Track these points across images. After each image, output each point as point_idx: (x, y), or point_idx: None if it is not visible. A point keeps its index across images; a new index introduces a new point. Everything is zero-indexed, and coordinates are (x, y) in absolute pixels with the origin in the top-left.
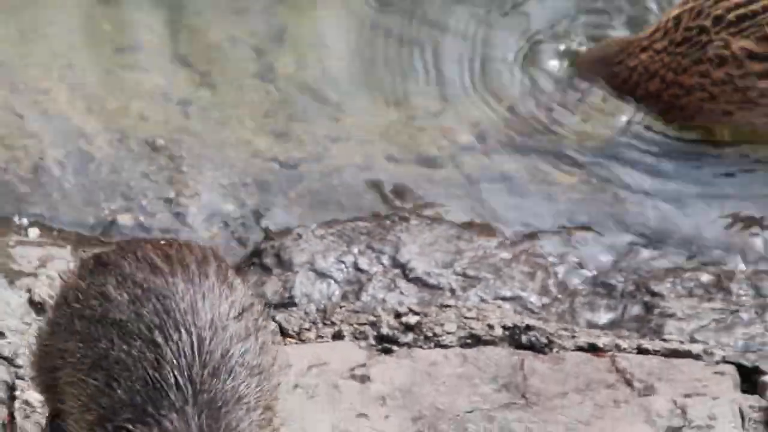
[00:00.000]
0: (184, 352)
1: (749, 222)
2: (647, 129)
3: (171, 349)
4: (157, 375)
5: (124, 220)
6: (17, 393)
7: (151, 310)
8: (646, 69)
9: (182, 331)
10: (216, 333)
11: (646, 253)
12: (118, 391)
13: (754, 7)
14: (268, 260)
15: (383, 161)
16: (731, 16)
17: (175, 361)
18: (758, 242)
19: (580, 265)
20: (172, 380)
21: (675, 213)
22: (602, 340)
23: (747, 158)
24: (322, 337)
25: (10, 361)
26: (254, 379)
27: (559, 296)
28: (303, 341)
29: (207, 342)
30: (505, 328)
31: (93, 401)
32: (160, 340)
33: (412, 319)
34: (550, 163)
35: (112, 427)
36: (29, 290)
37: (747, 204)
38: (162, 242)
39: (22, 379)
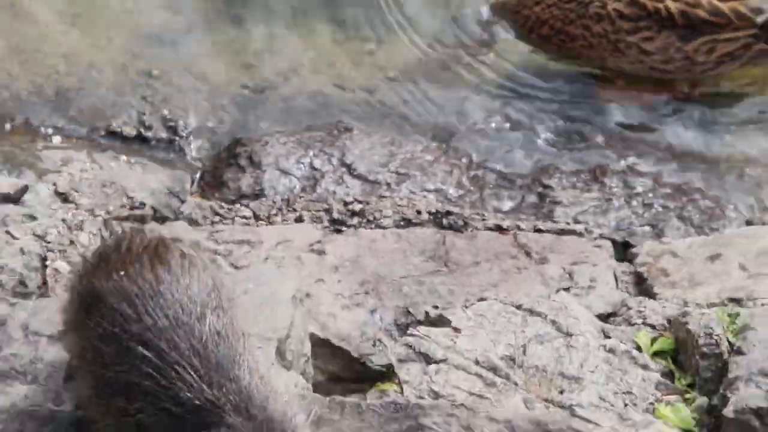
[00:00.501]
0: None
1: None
2: (542, 64)
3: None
4: None
5: (128, 131)
6: (48, 263)
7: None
8: (539, 18)
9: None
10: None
11: (540, 155)
12: None
13: None
14: (243, 162)
15: (332, 88)
16: None
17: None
18: (632, 138)
19: (488, 164)
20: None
21: (563, 120)
22: (506, 222)
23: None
24: (286, 220)
25: (41, 237)
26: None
27: (472, 188)
28: (272, 224)
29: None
30: (430, 213)
31: None
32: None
33: (357, 207)
34: (467, 88)
35: None
36: (54, 184)
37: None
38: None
39: (52, 251)
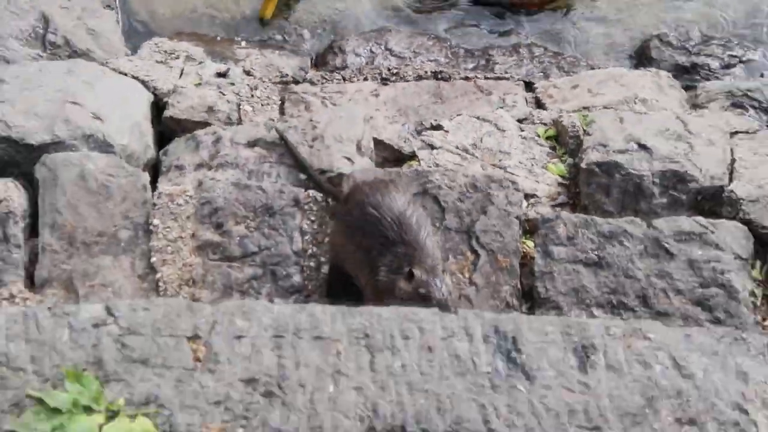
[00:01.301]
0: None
1: None
2: None
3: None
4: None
5: (278, 38)
6: (240, 106)
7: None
8: None
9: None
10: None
11: (486, 39)
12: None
13: None
14: (336, 50)
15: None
16: None
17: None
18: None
19: (461, 45)
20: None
21: (499, 20)
22: (470, 74)
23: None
24: (359, 80)
25: (237, 94)
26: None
27: (452, 58)
28: (351, 82)
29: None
30: (432, 72)
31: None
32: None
33: (394, 70)
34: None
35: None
36: (242, 66)
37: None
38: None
39: (243, 100)
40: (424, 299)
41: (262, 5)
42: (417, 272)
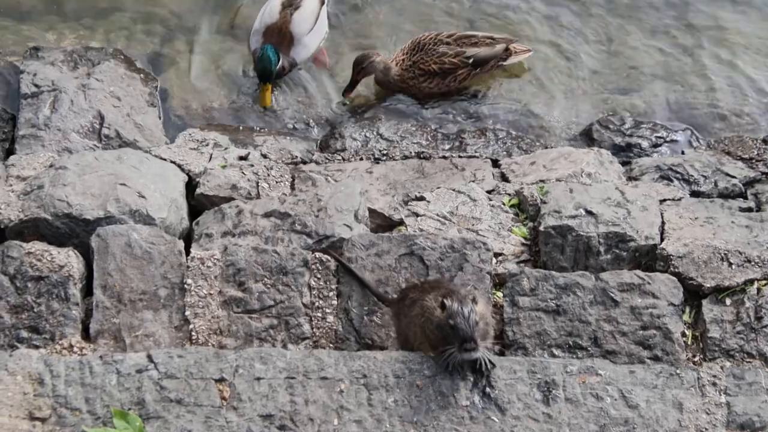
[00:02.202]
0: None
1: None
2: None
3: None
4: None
5: (290, 126)
6: (258, 183)
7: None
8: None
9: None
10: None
11: (460, 125)
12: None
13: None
14: (336, 135)
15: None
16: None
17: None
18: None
19: (439, 131)
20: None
21: (467, 115)
22: (446, 154)
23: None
24: (356, 160)
25: (255, 173)
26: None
27: (432, 141)
28: (349, 162)
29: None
30: (416, 153)
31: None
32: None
33: (385, 151)
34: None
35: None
36: (260, 150)
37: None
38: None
39: (260, 179)
40: (452, 329)
41: (260, 96)
42: (448, 302)
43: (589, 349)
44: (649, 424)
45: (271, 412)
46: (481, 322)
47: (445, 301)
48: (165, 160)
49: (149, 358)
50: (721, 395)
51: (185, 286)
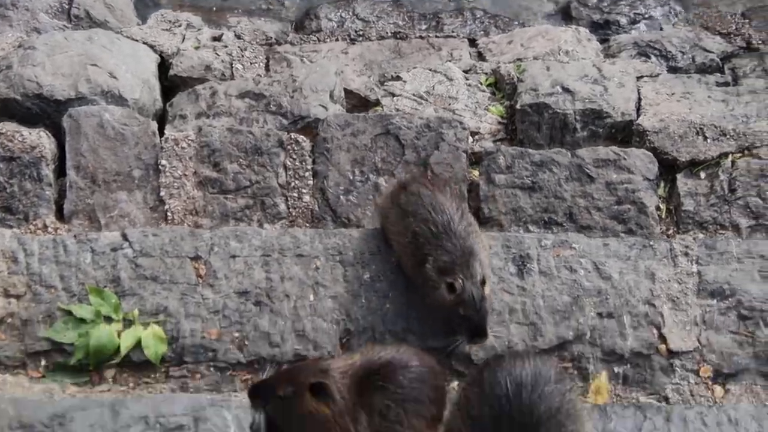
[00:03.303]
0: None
1: None
2: None
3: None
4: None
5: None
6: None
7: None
8: None
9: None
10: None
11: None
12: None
13: None
14: (312, 17)
15: None
16: None
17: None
18: None
19: (415, 11)
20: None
21: None
22: (423, 34)
23: None
24: (331, 41)
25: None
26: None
27: (409, 22)
28: (325, 42)
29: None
30: (393, 33)
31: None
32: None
33: (360, 31)
34: None
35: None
36: (234, 31)
37: None
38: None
39: (235, 60)
40: (463, 318)
41: None
42: (458, 286)
43: (564, 224)
44: (622, 294)
45: (247, 289)
46: (489, 306)
47: (455, 283)
48: (137, 41)
49: (124, 236)
50: (692, 265)
51: (160, 167)
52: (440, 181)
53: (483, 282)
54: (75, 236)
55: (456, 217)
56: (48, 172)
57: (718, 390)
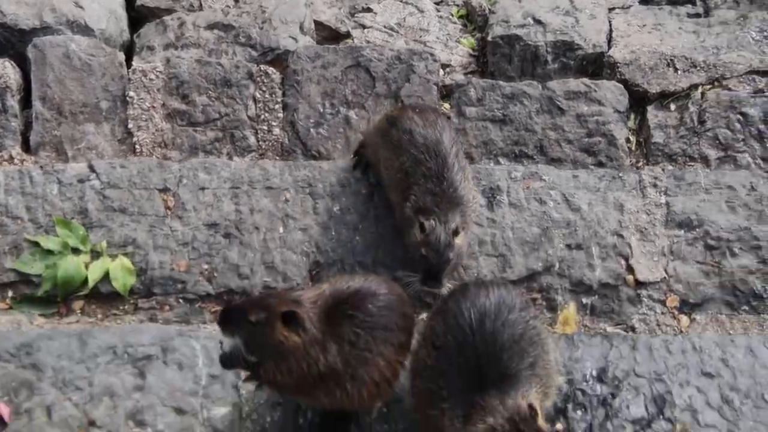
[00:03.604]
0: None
1: None
2: None
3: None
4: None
5: None
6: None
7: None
8: None
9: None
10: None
11: None
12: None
13: None
14: None
15: None
16: None
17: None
18: None
19: None
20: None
21: None
22: None
23: None
24: None
25: None
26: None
27: None
28: None
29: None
30: None
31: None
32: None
33: None
34: None
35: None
36: None
37: None
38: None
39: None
40: (422, 258)
41: None
42: (428, 226)
43: (534, 157)
44: (591, 226)
45: (216, 221)
46: (455, 257)
47: (425, 223)
48: None
49: (91, 168)
50: (661, 196)
51: (127, 98)
52: (430, 112)
53: (456, 232)
54: (41, 167)
55: (450, 161)
56: (13, 102)
57: (684, 320)
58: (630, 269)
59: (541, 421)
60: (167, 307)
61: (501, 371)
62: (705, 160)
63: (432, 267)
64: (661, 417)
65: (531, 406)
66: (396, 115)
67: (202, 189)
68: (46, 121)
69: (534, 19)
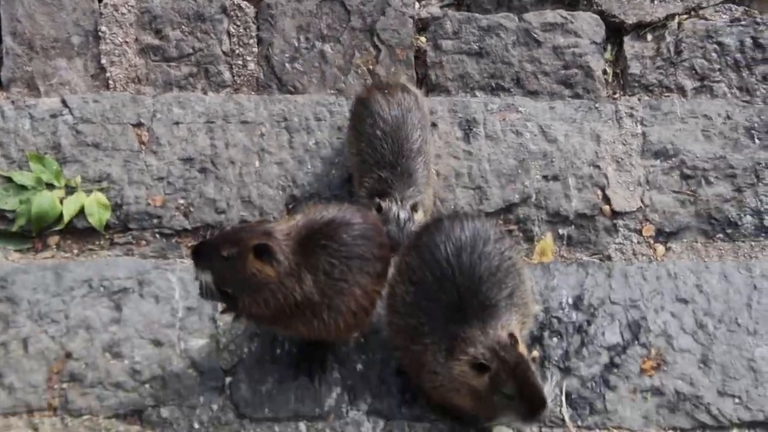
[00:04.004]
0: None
1: None
2: None
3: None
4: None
5: None
6: None
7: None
8: None
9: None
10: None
11: None
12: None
13: None
14: None
15: None
16: None
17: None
18: None
19: None
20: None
21: None
22: None
23: None
24: None
25: None
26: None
27: None
28: None
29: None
30: None
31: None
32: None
33: None
34: None
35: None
36: None
37: None
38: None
39: None
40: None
41: None
42: (384, 206)
43: (511, 90)
44: (567, 157)
45: (191, 156)
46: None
47: (382, 203)
48: None
49: (63, 102)
50: (637, 126)
51: (99, 33)
52: (399, 92)
53: (415, 208)
54: (13, 102)
55: (407, 148)
56: None
57: (660, 249)
58: (606, 199)
59: (521, 349)
60: (143, 242)
61: (481, 303)
62: (681, 90)
63: (398, 244)
64: (636, 342)
65: (511, 335)
66: (365, 97)
67: (177, 124)
68: (17, 56)
69: None
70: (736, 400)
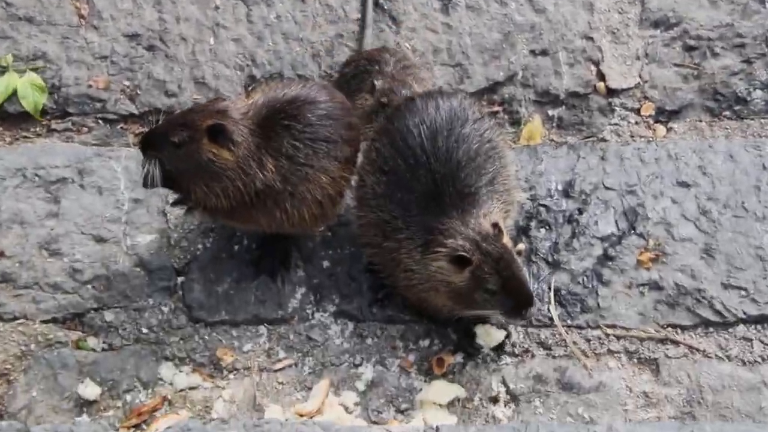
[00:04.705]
0: None
1: None
2: None
3: None
4: None
5: None
6: None
7: None
8: None
9: None
10: None
11: None
12: None
13: None
14: None
15: None
16: None
17: None
18: None
19: None
20: None
21: None
22: None
23: None
24: None
25: None
26: None
27: None
28: None
29: None
30: None
31: None
32: None
33: None
34: None
35: None
36: None
37: None
38: None
39: None
40: (384, 107)
41: None
42: (378, 83)
43: None
44: (557, 29)
45: (137, 32)
46: None
47: (376, 82)
48: None
49: None
50: None
51: None
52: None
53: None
54: None
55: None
56: None
57: (660, 129)
58: (601, 76)
59: (506, 240)
60: (85, 129)
61: (459, 191)
62: None
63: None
64: (633, 232)
65: (495, 225)
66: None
67: None
68: None
69: None
70: (742, 293)
